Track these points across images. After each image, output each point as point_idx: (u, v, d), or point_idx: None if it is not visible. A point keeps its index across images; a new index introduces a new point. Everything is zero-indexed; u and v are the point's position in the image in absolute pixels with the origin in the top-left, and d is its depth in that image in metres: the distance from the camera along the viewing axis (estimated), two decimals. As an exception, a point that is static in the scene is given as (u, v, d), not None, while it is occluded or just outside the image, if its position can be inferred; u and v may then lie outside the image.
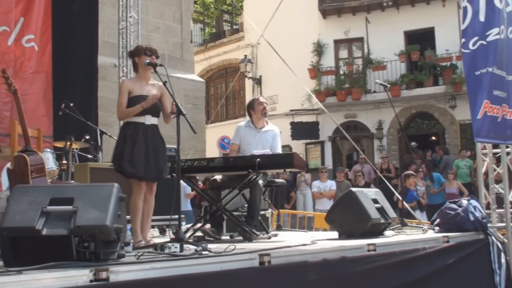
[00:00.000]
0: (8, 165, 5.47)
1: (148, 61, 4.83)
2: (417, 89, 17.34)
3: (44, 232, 3.20)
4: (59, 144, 7.42)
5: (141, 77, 5.00)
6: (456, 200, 6.53)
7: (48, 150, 6.71)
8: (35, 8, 8.66)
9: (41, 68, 8.74)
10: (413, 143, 16.13)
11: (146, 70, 4.96)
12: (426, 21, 17.53)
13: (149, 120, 4.86)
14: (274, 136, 6.33)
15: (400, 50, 17.69)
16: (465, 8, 6.37)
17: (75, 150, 7.46)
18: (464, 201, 6.29)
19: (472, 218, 5.98)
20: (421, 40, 17.63)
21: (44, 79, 8.73)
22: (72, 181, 6.59)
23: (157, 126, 4.95)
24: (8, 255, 3.25)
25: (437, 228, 6.21)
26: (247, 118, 6.61)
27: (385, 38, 17.91)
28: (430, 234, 6.03)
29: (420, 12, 17.71)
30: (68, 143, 7.03)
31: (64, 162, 7.01)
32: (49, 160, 6.41)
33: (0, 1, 8.30)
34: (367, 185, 12.85)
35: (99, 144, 8.08)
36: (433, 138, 18.49)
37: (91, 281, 2.86)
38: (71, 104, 7.64)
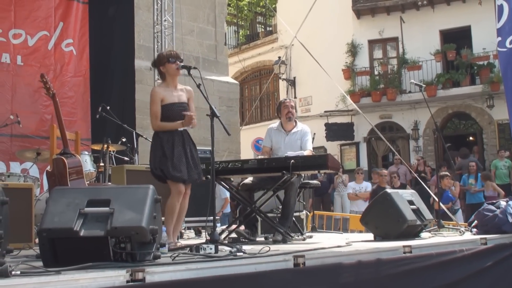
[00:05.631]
0: (48, 167, 5.60)
1: (182, 64, 4.86)
2: (454, 89, 17.07)
3: (81, 233, 3.27)
4: (96, 147, 7.55)
5: (170, 84, 4.99)
6: (494, 201, 6.40)
7: (86, 152, 6.84)
8: (72, 13, 8.87)
9: (79, 72, 8.96)
10: (448, 144, 15.91)
11: (173, 76, 4.97)
12: (462, 19, 17.25)
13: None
14: (303, 135, 6.27)
15: (435, 50, 17.43)
16: (500, 6, 6.26)
17: (112, 153, 7.57)
18: (503, 203, 6.16)
19: (511, 220, 5.86)
20: (457, 39, 17.34)
21: (82, 83, 8.95)
22: (109, 183, 6.69)
23: (187, 131, 5.00)
24: (47, 255, 3.33)
25: (474, 230, 6.10)
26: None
27: (420, 37, 17.71)
28: (468, 236, 5.93)
29: (456, 10, 17.45)
30: (105, 145, 7.15)
31: (102, 164, 7.12)
32: (86, 163, 6.54)
33: (40, 6, 8.56)
34: (402, 186, 12.70)
35: (135, 146, 8.18)
36: (471, 138, 18.18)
37: (127, 281, 2.91)
38: (108, 107, 7.76)
